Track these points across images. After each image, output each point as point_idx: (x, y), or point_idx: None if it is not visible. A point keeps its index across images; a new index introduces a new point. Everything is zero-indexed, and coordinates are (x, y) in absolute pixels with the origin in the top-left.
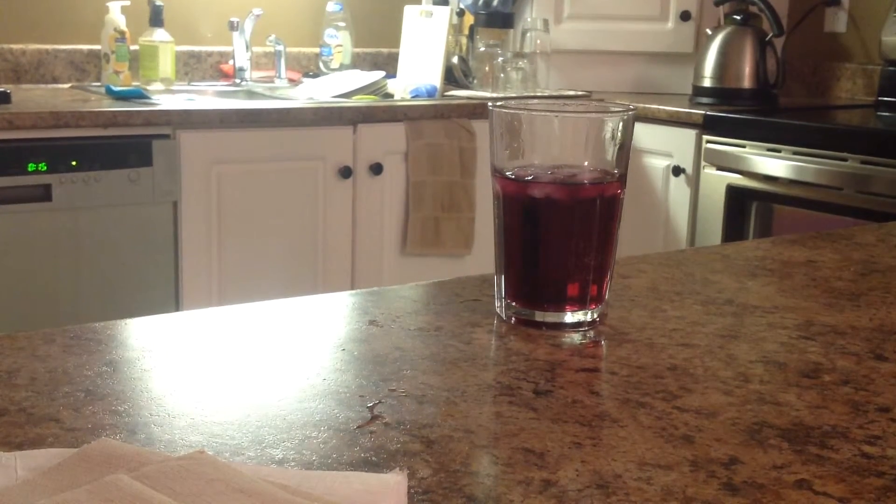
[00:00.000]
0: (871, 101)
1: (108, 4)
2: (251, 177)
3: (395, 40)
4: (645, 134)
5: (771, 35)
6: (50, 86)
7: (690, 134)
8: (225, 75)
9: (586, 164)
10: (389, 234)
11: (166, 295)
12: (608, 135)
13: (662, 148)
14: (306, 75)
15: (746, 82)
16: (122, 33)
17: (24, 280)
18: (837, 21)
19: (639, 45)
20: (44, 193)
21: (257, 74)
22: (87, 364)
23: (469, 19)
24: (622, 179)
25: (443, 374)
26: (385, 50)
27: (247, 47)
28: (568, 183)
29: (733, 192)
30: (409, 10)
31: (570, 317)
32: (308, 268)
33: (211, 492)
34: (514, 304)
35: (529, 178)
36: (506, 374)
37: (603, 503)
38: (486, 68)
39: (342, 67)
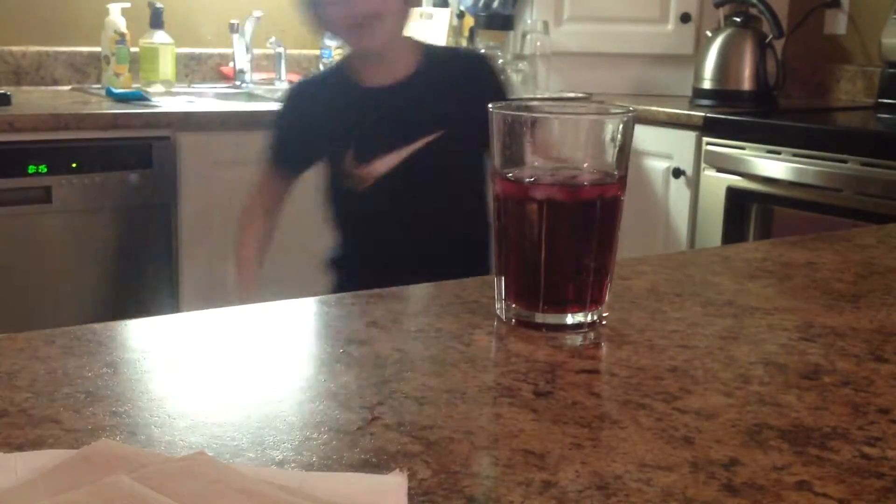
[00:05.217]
0: (871, 102)
1: (109, 6)
2: (251, 179)
3: None
4: (645, 136)
5: (771, 37)
6: (50, 88)
7: (690, 136)
8: (225, 77)
9: (586, 165)
10: None
11: (166, 297)
12: (608, 136)
13: (662, 150)
14: None
15: (746, 84)
16: (122, 35)
17: (24, 281)
18: (837, 23)
19: (639, 47)
20: (44, 195)
21: (258, 76)
22: (88, 365)
23: (469, 21)
24: (622, 181)
25: (443, 375)
26: None
27: (247, 49)
28: (568, 185)
29: (733, 194)
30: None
31: (570, 318)
32: (308, 269)
33: (211, 493)
34: (514, 305)
35: (530, 179)
36: (506, 375)
37: None
38: None
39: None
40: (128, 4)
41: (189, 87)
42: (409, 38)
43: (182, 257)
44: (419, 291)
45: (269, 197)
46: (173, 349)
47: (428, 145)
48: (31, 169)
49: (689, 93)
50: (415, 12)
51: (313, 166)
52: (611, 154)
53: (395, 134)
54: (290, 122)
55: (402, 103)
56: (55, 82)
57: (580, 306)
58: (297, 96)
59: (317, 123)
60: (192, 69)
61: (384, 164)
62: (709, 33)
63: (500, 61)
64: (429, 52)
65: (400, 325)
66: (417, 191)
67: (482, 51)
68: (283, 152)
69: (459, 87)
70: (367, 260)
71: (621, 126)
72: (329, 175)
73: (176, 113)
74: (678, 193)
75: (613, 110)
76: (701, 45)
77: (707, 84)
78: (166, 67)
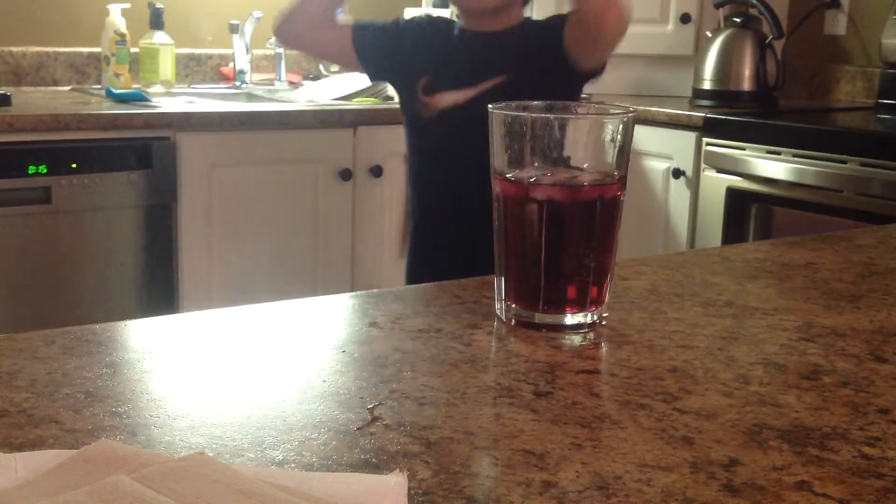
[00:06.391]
0: (870, 103)
1: (109, 7)
2: (251, 179)
3: None
4: (645, 136)
5: (771, 37)
6: (50, 88)
7: (690, 136)
8: (225, 78)
9: (586, 166)
10: (389, 236)
11: (165, 297)
12: (608, 137)
13: (662, 150)
14: (306, 78)
15: (746, 85)
16: (122, 36)
17: (24, 282)
18: (837, 23)
19: (639, 48)
20: (44, 196)
21: (257, 77)
22: (88, 366)
23: None
24: (622, 181)
25: (443, 375)
26: None
27: (247, 50)
28: (568, 185)
29: (733, 195)
30: (409, 13)
31: (570, 319)
32: (308, 270)
33: (211, 493)
34: (514, 305)
35: (530, 180)
36: (506, 375)
37: None
38: None
39: (342, 70)
40: (128, 5)
41: (189, 87)
42: (517, 12)
43: (182, 257)
44: (419, 292)
45: (325, 19)
46: (173, 349)
47: (492, 90)
48: (31, 169)
49: (689, 93)
50: (415, 13)
51: (363, 69)
52: (611, 154)
53: (469, 75)
54: (390, 30)
55: (482, 47)
56: (55, 83)
57: (580, 307)
58: (409, 21)
59: (408, 43)
60: (192, 70)
61: (450, 98)
62: (709, 34)
63: None
64: (528, 22)
65: (400, 326)
66: (478, 136)
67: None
68: (365, 36)
69: (535, 41)
70: (433, 212)
71: (621, 126)
72: (403, 102)
73: (176, 113)
74: (678, 194)
75: (613, 111)
76: (701, 46)
77: (707, 84)
78: (166, 68)
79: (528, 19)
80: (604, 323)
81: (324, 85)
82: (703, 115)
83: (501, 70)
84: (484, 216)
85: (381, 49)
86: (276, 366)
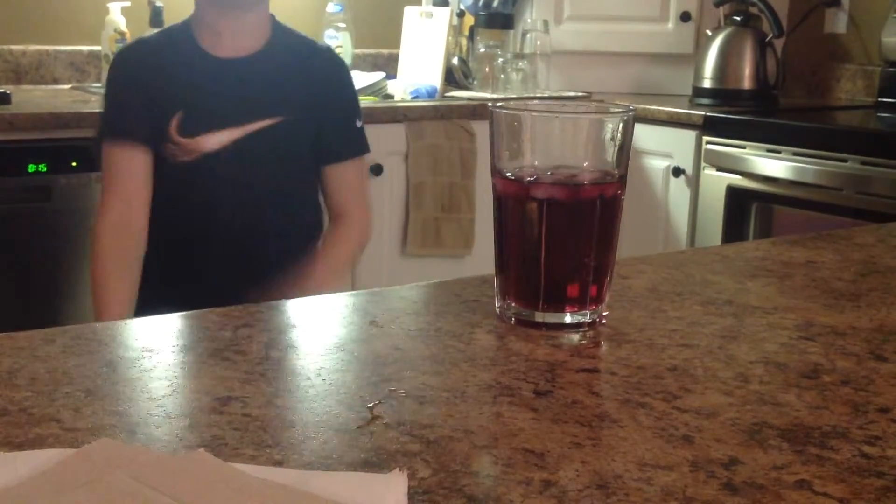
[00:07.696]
0: (871, 102)
1: (109, 5)
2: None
3: (395, 41)
4: (645, 135)
5: (771, 36)
6: (50, 87)
7: (690, 135)
8: None
9: (586, 164)
10: (390, 235)
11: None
12: (608, 135)
13: (662, 149)
14: None
15: (746, 83)
16: (122, 34)
17: (23, 280)
18: (837, 22)
19: (639, 46)
20: (43, 194)
21: None
22: (88, 364)
23: (469, 20)
24: (622, 180)
25: (443, 374)
26: (385, 51)
27: None
28: (568, 184)
29: (733, 193)
30: (409, 11)
31: (570, 317)
32: None
33: (211, 492)
34: (514, 304)
35: (530, 178)
36: (506, 374)
37: (603, 503)
38: (487, 69)
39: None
40: (128, 3)
41: None
42: (265, 10)
43: None
44: (419, 290)
45: (129, 197)
46: (173, 348)
47: (265, 131)
48: (31, 168)
49: (689, 92)
50: (415, 11)
51: (158, 137)
52: (611, 153)
53: (232, 110)
54: (124, 87)
55: (246, 79)
56: (55, 81)
57: (580, 305)
58: (128, 60)
59: (152, 86)
60: None
61: (214, 140)
62: (709, 32)
63: (500, 60)
64: (278, 30)
65: (399, 324)
66: (248, 178)
67: (334, 50)
68: (123, 121)
69: (311, 79)
70: (185, 257)
71: (621, 125)
72: (155, 146)
73: None
74: (678, 192)
75: (613, 109)
76: (701, 44)
77: (707, 83)
78: None
79: (277, 23)
80: (604, 322)
81: None
82: (703, 113)
83: (274, 106)
84: (245, 274)
85: (134, 114)
86: (276, 364)
